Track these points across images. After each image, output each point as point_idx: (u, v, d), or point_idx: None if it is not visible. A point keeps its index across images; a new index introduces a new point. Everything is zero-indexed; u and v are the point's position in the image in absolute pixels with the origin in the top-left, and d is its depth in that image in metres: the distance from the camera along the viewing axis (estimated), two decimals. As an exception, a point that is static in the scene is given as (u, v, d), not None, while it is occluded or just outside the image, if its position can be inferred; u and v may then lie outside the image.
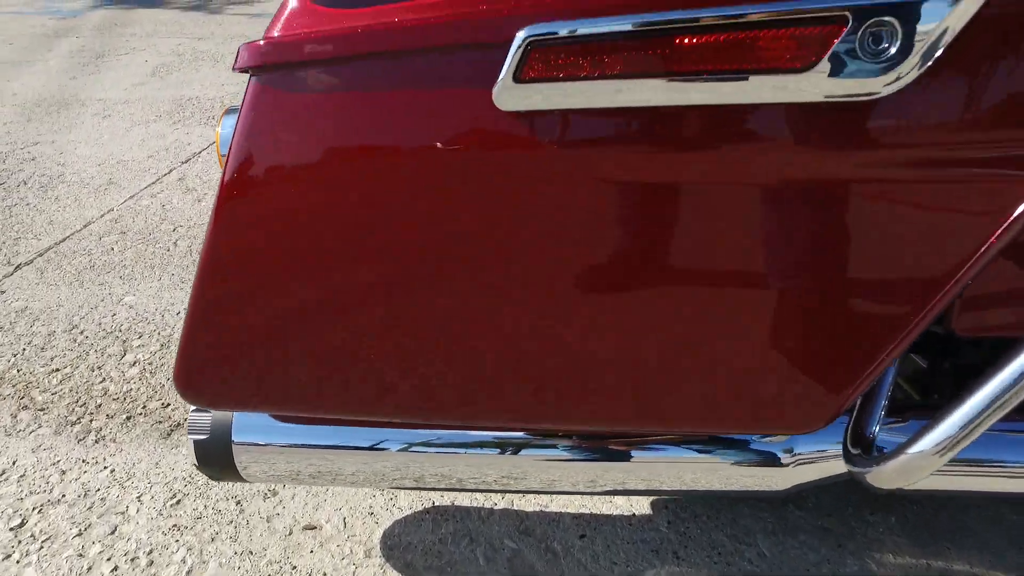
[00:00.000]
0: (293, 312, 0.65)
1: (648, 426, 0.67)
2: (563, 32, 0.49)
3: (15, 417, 1.39)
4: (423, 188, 0.57)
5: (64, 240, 2.10)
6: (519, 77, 0.50)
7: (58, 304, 1.78)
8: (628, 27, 0.48)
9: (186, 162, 2.66)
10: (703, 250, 0.56)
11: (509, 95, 0.51)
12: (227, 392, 0.74)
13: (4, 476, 1.24)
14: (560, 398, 0.64)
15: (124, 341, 1.63)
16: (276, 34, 0.56)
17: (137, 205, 2.32)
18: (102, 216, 2.25)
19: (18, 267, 1.96)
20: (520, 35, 0.49)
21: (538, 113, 0.52)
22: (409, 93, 0.54)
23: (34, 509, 1.17)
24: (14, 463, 1.27)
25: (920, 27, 0.45)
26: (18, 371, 1.54)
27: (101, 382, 1.50)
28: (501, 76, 0.50)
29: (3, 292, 1.84)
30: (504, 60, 0.50)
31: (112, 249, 2.05)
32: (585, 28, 0.48)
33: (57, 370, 1.54)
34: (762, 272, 0.57)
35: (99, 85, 3.72)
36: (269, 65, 0.56)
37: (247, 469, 0.87)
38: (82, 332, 1.66)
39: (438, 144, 0.55)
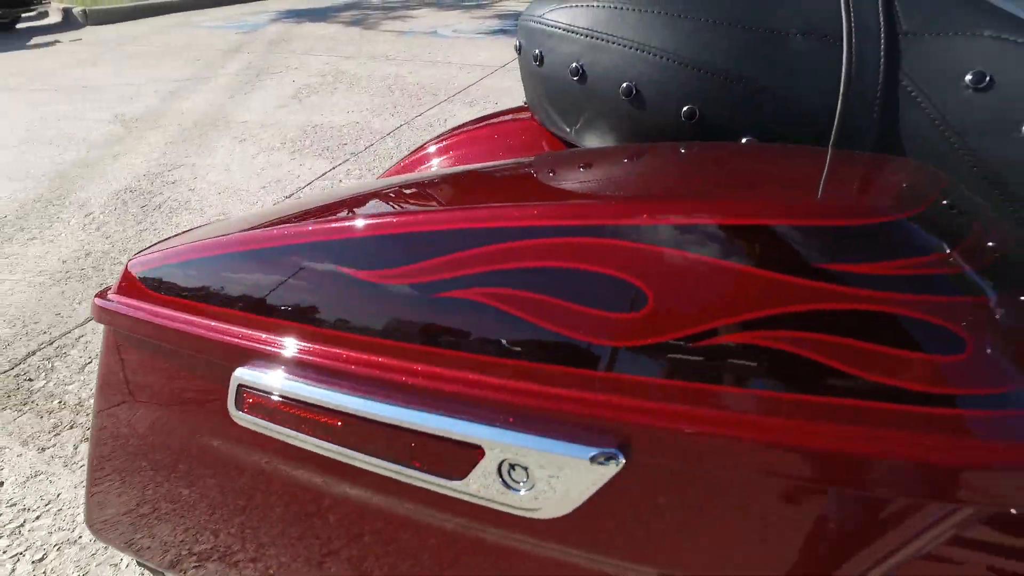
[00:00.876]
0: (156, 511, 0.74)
1: None
2: (259, 383, 0.51)
3: (76, 449, 1.65)
4: (183, 459, 0.61)
5: (169, 270, 2.41)
6: (238, 407, 0.53)
7: (144, 336, 2.06)
8: (306, 396, 0.49)
9: (288, 196, 2.92)
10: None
11: (234, 414, 0.54)
12: (121, 541, 0.85)
13: (47, 507, 1.48)
14: None
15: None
16: (108, 297, 0.64)
17: (235, 239, 2.60)
18: (205, 248, 2.54)
19: (128, 293, 2.29)
20: (235, 373, 0.52)
21: (259, 435, 0.54)
22: (182, 377, 0.58)
23: (55, 547, 1.38)
24: (58, 495, 1.51)
25: (552, 473, 0.41)
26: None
27: (150, 422, 1.71)
28: (227, 398, 0.53)
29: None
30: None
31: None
32: (278, 386, 0.50)
33: (122, 404, 1.78)
34: None
35: (247, 106, 4.18)
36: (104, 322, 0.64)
37: None
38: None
39: (195, 432, 0.59)
